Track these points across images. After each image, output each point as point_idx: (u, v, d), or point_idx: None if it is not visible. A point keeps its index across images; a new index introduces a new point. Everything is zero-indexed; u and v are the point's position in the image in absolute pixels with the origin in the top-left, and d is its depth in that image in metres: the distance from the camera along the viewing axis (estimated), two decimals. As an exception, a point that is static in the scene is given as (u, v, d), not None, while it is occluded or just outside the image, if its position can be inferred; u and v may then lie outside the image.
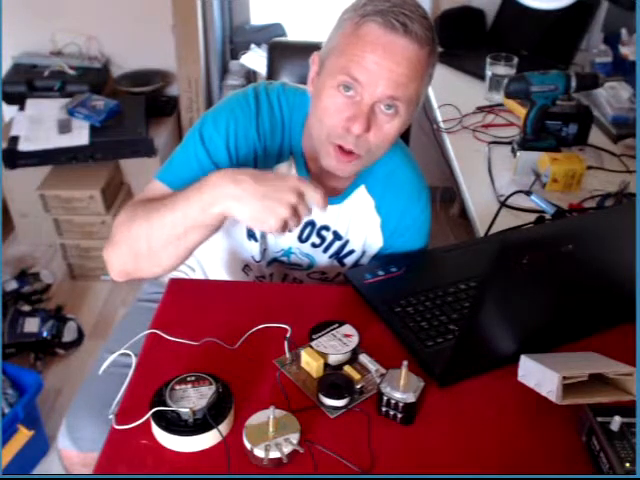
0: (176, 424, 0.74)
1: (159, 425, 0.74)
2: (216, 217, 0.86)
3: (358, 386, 0.82)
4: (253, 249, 1.10)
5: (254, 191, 0.83)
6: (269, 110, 1.02)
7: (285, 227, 0.85)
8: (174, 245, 0.90)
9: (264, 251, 1.11)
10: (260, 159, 1.02)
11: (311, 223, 1.09)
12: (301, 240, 1.11)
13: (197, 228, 0.88)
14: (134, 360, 0.86)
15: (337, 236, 1.11)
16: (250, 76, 2.46)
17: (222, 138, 0.99)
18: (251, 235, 1.08)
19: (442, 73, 2.08)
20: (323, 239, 1.11)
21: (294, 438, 0.73)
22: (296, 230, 1.08)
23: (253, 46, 2.42)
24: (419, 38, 0.87)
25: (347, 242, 1.12)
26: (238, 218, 0.85)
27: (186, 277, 1.21)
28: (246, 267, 1.15)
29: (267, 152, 1.02)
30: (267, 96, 1.02)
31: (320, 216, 1.08)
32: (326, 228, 1.10)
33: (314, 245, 1.12)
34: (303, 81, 1.04)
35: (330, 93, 0.92)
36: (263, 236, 1.08)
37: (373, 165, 1.03)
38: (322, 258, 1.13)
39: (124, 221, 0.94)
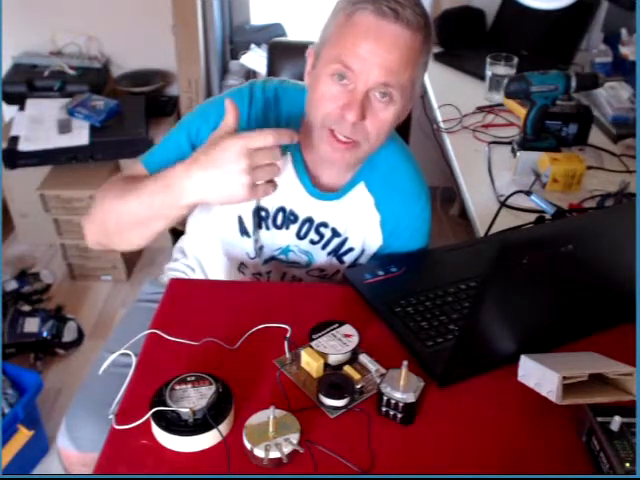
0: (176, 424, 0.74)
1: (159, 425, 0.74)
2: (181, 209, 0.90)
3: (358, 386, 0.82)
4: (247, 245, 1.10)
5: (207, 176, 0.85)
6: (263, 106, 1.02)
7: (258, 190, 0.86)
8: (139, 229, 0.96)
9: (260, 249, 1.11)
10: None
11: (309, 220, 1.09)
12: (299, 237, 1.11)
13: (159, 218, 0.93)
14: (134, 360, 0.86)
15: (335, 233, 1.11)
16: (250, 76, 2.46)
17: (209, 130, 0.98)
18: (244, 232, 1.08)
19: (442, 73, 2.08)
20: (322, 236, 1.11)
21: (294, 438, 0.73)
22: (294, 227, 1.09)
23: (253, 46, 2.42)
24: (410, 24, 0.88)
25: (346, 239, 1.12)
26: (208, 202, 0.89)
27: (186, 277, 1.21)
28: (242, 265, 1.15)
29: None
30: (263, 92, 1.03)
31: (319, 213, 1.09)
32: (324, 225, 1.10)
33: (312, 242, 1.12)
34: (303, 80, 1.04)
35: (325, 81, 0.93)
36: (255, 231, 1.08)
37: (373, 162, 1.03)
38: (321, 255, 1.13)
39: (102, 196, 1.00)
